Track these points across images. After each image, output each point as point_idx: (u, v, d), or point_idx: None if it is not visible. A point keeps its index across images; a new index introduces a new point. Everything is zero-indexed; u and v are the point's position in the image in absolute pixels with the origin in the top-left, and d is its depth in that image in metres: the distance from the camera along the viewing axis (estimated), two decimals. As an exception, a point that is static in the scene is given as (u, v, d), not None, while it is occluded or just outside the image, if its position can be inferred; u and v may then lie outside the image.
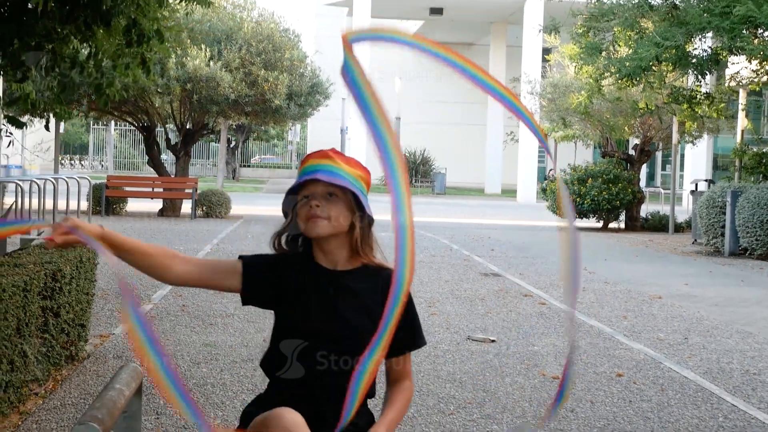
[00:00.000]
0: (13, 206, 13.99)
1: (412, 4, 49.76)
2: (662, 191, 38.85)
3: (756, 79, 21.10)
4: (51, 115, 10.99)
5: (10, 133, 9.39)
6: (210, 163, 66.10)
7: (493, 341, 8.95)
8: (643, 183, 32.75)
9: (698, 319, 10.90)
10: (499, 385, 7.23)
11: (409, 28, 60.91)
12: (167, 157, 41.02)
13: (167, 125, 29.06)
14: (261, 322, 9.25)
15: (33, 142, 29.17)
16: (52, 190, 19.56)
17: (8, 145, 10.16)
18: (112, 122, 50.89)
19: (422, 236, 21.20)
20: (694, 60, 17.88)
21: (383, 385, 3.34)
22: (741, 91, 23.53)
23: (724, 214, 19.16)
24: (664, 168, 59.94)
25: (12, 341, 5.60)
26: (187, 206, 26.04)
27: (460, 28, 58.19)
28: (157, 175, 26.52)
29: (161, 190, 26.00)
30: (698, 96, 20.08)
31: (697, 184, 24.91)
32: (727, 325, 10.55)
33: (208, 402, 6.43)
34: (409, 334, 3.24)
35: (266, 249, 3.30)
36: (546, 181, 30.20)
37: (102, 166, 62.72)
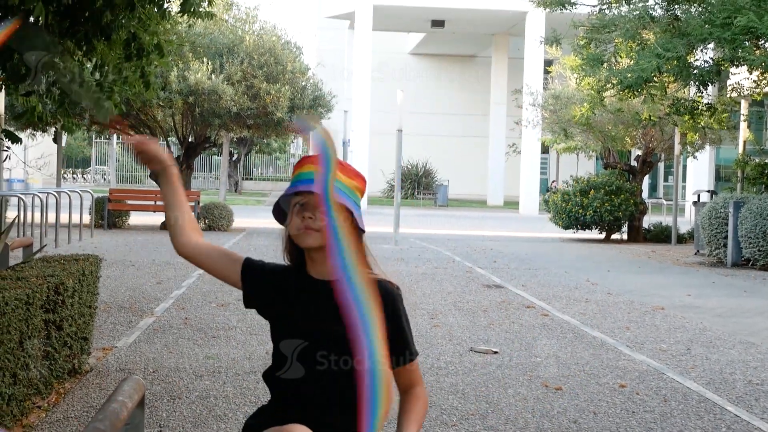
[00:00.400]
0: (15, 220, 13.99)
1: (413, 17, 49.84)
2: (665, 202, 38.87)
3: (758, 90, 21.12)
4: (58, 127, 11.02)
5: (8, 147, 9.42)
6: (212, 176, 66.19)
7: (495, 353, 8.95)
8: (645, 194, 32.77)
9: (701, 329, 10.89)
10: (501, 396, 7.23)
11: (411, 40, 61.15)
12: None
13: (169, 138, 29.10)
14: (264, 335, 9.24)
15: (34, 156, 29.21)
16: (54, 203, 19.58)
17: (5, 160, 10.18)
18: (114, 136, 50.96)
19: (425, 248, 21.20)
20: (695, 71, 17.90)
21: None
22: (743, 101, 23.55)
23: (727, 224, 19.15)
24: (666, 179, 59.96)
25: (14, 354, 5.60)
26: (189, 219, 25.98)
27: (461, 41, 58.28)
28: (159, 189, 26.48)
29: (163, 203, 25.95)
30: (700, 107, 20.10)
31: (699, 195, 24.92)
32: (729, 335, 10.54)
33: (211, 414, 6.42)
34: (401, 347, 3.22)
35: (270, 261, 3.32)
36: (548, 193, 30.20)
37: (104, 179, 62.80)
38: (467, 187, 61.02)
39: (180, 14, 8.74)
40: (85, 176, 66.87)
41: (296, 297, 3.18)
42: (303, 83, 26.68)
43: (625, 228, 26.84)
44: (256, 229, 25.81)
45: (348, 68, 54.96)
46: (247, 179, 65.86)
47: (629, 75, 17.40)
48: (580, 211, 25.40)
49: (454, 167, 60.35)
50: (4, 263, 7.84)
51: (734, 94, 22.74)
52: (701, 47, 17.89)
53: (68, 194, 20.85)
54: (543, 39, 21.40)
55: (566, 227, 26.28)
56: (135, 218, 27.38)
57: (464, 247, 22.25)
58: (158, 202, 25.90)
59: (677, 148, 25.18)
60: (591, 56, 18.83)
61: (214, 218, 25.47)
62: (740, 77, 21.99)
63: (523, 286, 14.50)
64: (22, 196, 18.20)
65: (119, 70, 8.55)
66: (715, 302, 13.50)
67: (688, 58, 17.54)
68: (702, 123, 21.16)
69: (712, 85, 19.39)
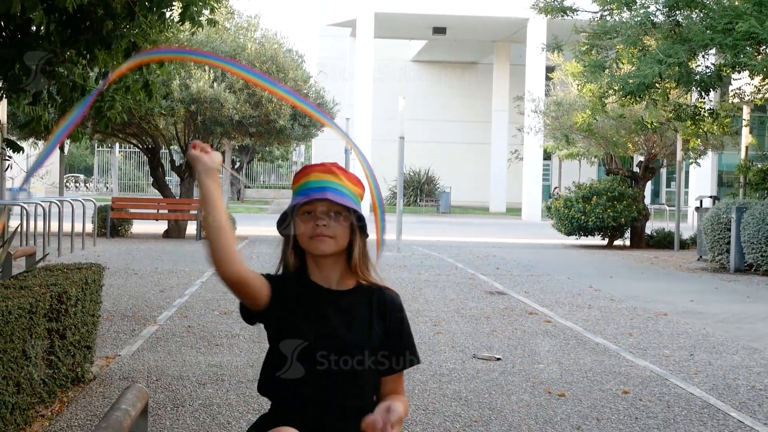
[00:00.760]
0: (18, 229, 14.01)
1: (415, 24, 49.88)
2: (667, 208, 38.87)
3: (759, 95, 21.13)
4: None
5: (9, 157, 9.42)
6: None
7: (498, 359, 8.95)
8: (647, 200, 32.71)
9: (704, 335, 10.88)
10: (504, 403, 7.22)
11: (412, 47, 61.18)
12: (172, 179, 41.09)
13: (171, 147, 29.10)
14: (266, 343, 9.23)
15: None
16: (57, 212, 19.60)
17: (6, 169, 10.17)
18: (117, 144, 51.00)
19: (427, 255, 21.21)
20: (697, 77, 17.92)
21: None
22: (744, 107, 23.56)
23: (729, 230, 19.15)
24: (668, 185, 59.97)
25: (18, 363, 5.61)
26: (192, 227, 26.06)
27: (463, 47, 58.32)
28: (161, 197, 26.53)
29: (166, 211, 25.99)
30: (702, 113, 20.11)
31: (701, 201, 24.92)
32: (732, 341, 10.53)
33: (214, 422, 6.43)
34: (402, 352, 3.24)
35: (271, 270, 3.31)
36: (551, 199, 30.20)
37: (107, 188, 62.81)
38: (470, 194, 61.00)
39: (180, 23, 8.76)
40: (87, 185, 66.89)
41: (297, 302, 3.18)
42: (305, 91, 26.70)
43: (627, 234, 26.84)
44: (258, 237, 25.81)
45: (349, 70, 54.95)
46: (249, 187, 65.88)
47: (631, 81, 17.42)
48: (583, 217, 25.41)
49: (457, 174, 60.35)
50: (7, 272, 7.85)
51: (736, 100, 22.74)
52: (703, 53, 17.93)
53: (71, 203, 20.86)
54: (544, 46, 21.42)
55: (569, 233, 26.28)
56: (137, 227, 27.40)
57: (467, 253, 22.25)
58: (160, 210, 25.95)
59: (679, 153, 25.19)
60: (593, 62, 18.86)
61: (217, 226, 25.41)
62: (742, 83, 22.00)
63: (525, 293, 14.50)
64: (25, 205, 18.22)
65: (121, 78, 8.56)
66: (717, 308, 13.49)
67: (689, 63, 17.56)
68: (705, 129, 21.17)
69: (713, 90, 19.39)
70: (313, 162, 3.25)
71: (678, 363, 9.07)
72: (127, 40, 8.15)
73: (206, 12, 9.37)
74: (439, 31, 50.73)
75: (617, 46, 18.69)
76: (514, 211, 51.32)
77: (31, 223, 18.71)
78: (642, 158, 27.67)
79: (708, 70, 18.43)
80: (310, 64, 45.40)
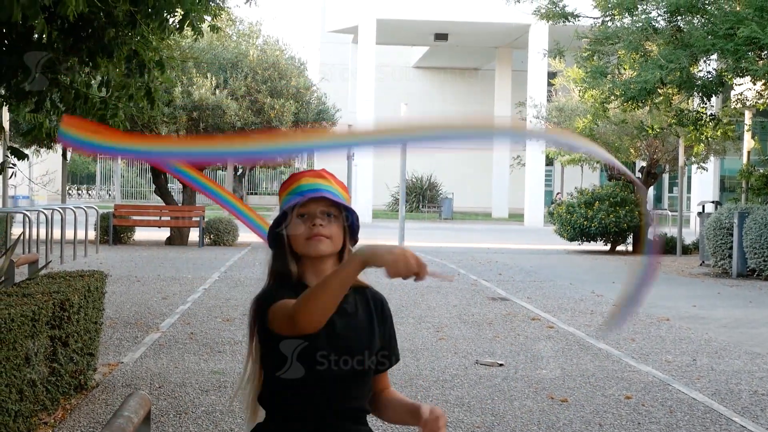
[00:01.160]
0: (21, 237, 14.02)
1: (416, 30, 49.91)
2: (669, 213, 38.85)
3: (761, 100, 21.13)
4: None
5: (13, 164, 9.42)
6: (217, 191, 66.10)
7: (501, 365, 8.95)
8: (650, 205, 32.71)
9: (706, 340, 10.88)
10: (507, 408, 7.23)
11: (414, 53, 61.22)
12: (174, 186, 41.12)
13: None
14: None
15: (39, 172, 29.26)
16: (59, 220, 19.61)
17: (11, 177, 10.17)
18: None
19: (430, 261, 21.20)
20: (698, 82, 17.92)
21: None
22: (746, 112, 23.56)
23: (732, 235, 19.14)
24: (671, 190, 59.90)
25: (21, 370, 5.62)
26: (194, 234, 26.08)
27: (465, 54, 58.35)
28: (164, 204, 26.54)
29: (169, 218, 26.00)
30: (704, 118, 20.11)
31: (704, 206, 24.90)
32: (735, 346, 10.53)
33: (216, 429, 6.43)
34: (393, 349, 3.27)
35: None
36: (553, 205, 30.19)
37: (109, 195, 62.85)
38: (472, 200, 60.99)
39: (179, 31, 8.77)
40: (90, 192, 66.91)
41: None
42: (307, 98, 26.73)
43: (630, 239, 26.83)
44: (260, 243, 25.78)
45: (351, 81, 54.98)
46: (251, 194, 65.90)
47: (632, 86, 17.44)
48: (585, 222, 25.40)
49: (459, 180, 60.35)
50: (9, 280, 7.85)
51: (738, 105, 22.75)
52: (704, 58, 17.94)
53: (73, 210, 20.88)
54: (546, 51, 21.44)
55: (571, 239, 26.28)
56: (140, 234, 27.40)
57: (469, 259, 22.25)
58: (163, 217, 25.96)
59: (681, 159, 25.19)
60: (594, 68, 18.88)
61: (219, 233, 25.49)
62: (743, 88, 22.01)
63: (528, 299, 14.50)
64: (28, 213, 18.23)
65: (123, 86, 8.58)
66: (720, 313, 13.49)
67: (691, 69, 17.57)
68: (708, 134, 21.16)
69: (715, 96, 19.40)
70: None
71: (680, 368, 9.07)
72: (128, 48, 8.16)
73: (208, 19, 9.38)
74: (441, 37, 50.76)
75: (619, 52, 18.71)
76: (516, 216, 51.30)
77: (34, 230, 18.74)
78: (644, 163, 27.67)
79: (709, 76, 18.45)
80: (312, 71, 45.44)
